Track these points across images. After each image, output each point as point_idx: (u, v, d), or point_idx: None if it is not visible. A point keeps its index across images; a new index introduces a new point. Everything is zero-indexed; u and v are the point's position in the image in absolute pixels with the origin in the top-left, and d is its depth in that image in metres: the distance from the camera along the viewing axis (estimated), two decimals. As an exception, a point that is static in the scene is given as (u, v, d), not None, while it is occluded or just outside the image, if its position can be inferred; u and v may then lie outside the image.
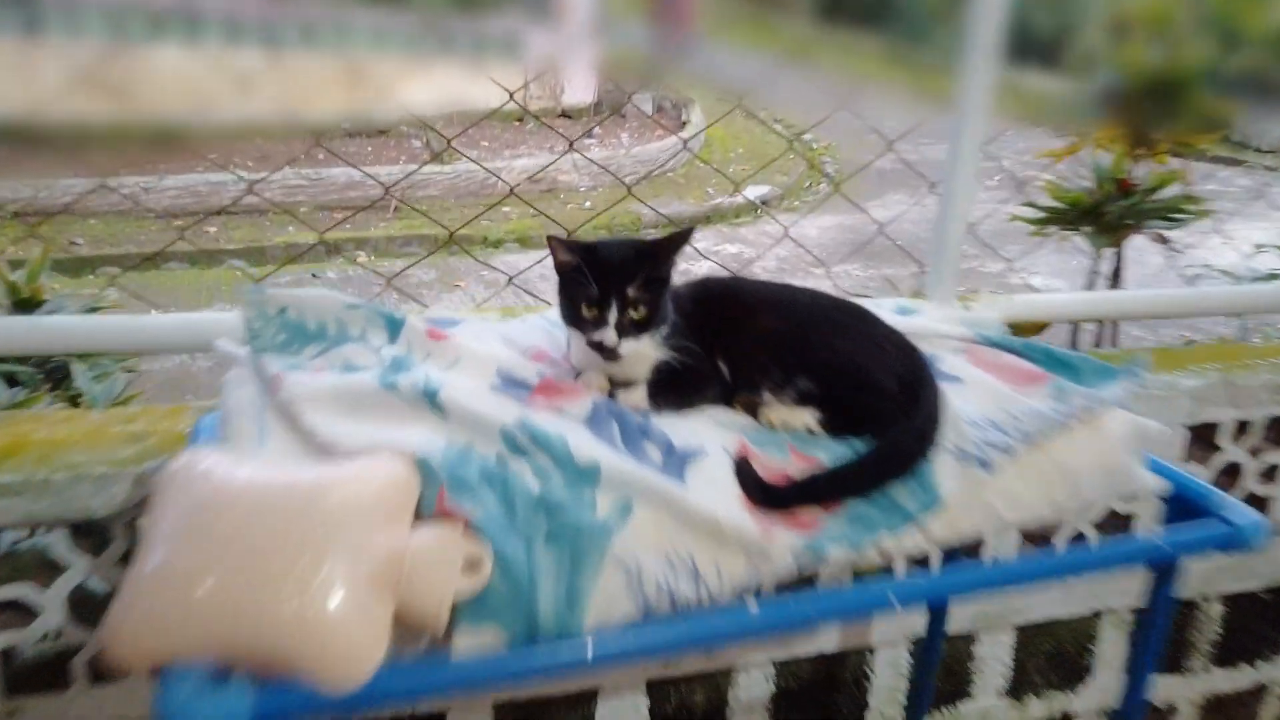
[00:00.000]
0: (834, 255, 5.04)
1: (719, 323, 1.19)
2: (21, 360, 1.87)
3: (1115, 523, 1.95)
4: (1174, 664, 2.14)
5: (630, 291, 1.09)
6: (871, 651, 1.85)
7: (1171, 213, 2.66)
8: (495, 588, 0.84)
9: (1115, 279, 2.91)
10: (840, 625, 1.73)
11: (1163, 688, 2.12)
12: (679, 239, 1.12)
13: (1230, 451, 2.01)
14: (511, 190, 1.66)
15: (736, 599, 0.95)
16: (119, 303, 1.91)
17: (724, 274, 1.80)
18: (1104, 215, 2.66)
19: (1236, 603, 2.13)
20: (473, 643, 0.83)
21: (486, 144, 8.44)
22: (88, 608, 1.36)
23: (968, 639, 1.93)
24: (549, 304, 1.34)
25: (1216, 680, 2.18)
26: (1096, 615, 2.02)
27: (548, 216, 1.85)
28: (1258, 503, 2.05)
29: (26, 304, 2.03)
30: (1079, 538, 1.93)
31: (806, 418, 1.13)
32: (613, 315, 1.09)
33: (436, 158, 7.10)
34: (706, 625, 0.93)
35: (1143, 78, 2.23)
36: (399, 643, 0.81)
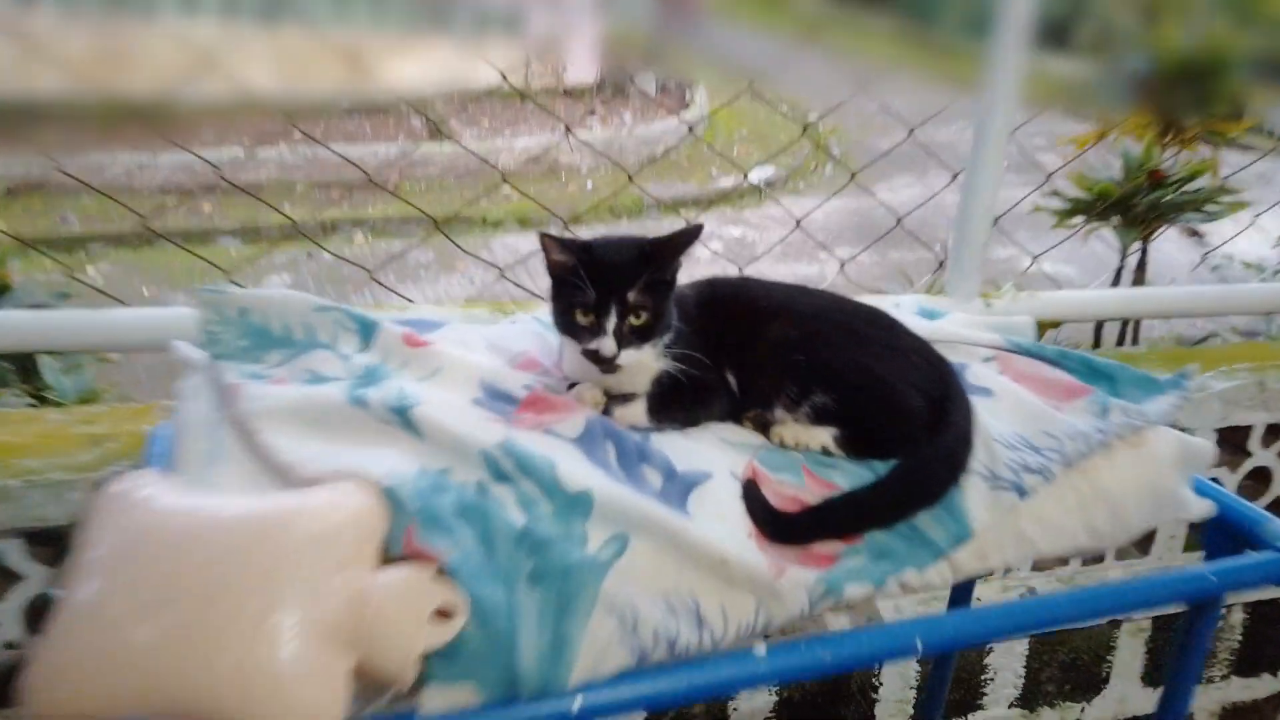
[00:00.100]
0: (840, 239, 4.95)
1: (727, 329, 1.08)
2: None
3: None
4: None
5: (631, 296, 0.98)
6: (879, 662, 1.78)
7: (1205, 205, 2.55)
8: (470, 639, 0.74)
9: (1140, 273, 2.80)
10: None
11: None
12: (685, 237, 1.01)
13: (1260, 456, 1.95)
14: (504, 178, 1.55)
15: (743, 643, 0.85)
16: (94, 287, 1.80)
17: (729, 271, 1.70)
18: (1133, 207, 2.55)
19: (1258, 610, 2.09)
20: (443, 702, 0.74)
21: (487, 122, 8.29)
22: (47, 619, 1.29)
23: (980, 648, 1.88)
24: (543, 298, 1.22)
25: (1235, 689, 2.14)
26: (1114, 624, 1.97)
27: (538, 203, 1.75)
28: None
29: (-10, 290, 1.93)
30: (1097, 559, 1.87)
31: (823, 437, 1.03)
32: (611, 322, 0.98)
33: (434, 136, 6.98)
34: (709, 674, 0.83)
35: (1175, 61, 2.11)
36: (359, 702, 0.73)
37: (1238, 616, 2.07)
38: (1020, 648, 1.90)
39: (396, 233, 6.52)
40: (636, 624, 0.80)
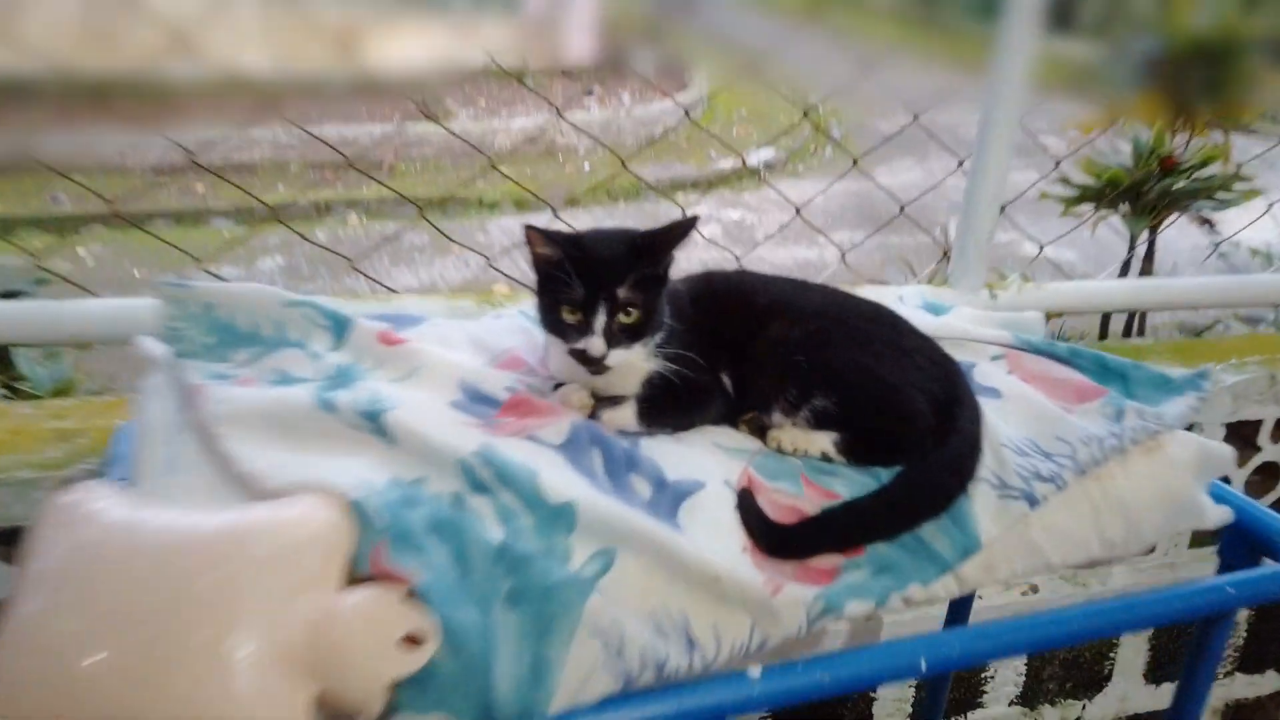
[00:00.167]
0: (840, 221, 4.89)
1: (723, 327, 1.03)
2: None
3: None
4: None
5: (621, 292, 0.93)
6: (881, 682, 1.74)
7: (1218, 192, 2.48)
8: (442, 665, 0.69)
9: (1147, 262, 2.74)
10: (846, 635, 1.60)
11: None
12: (679, 230, 0.95)
13: (1270, 451, 1.91)
14: (493, 164, 1.49)
15: (736, 665, 0.80)
16: (62, 276, 1.74)
17: (727, 256, 1.64)
18: (1144, 194, 2.48)
19: (1263, 607, 2.06)
20: (414, 734, 0.68)
21: (484, 102, 8.18)
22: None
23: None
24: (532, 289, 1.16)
25: (1239, 686, 2.12)
26: (1117, 621, 1.92)
27: (527, 189, 1.68)
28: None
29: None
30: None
31: (823, 442, 0.97)
32: (600, 320, 0.93)
33: (429, 117, 6.89)
34: (700, 699, 0.78)
35: (1187, 42, 2.05)
36: (322, 734, 0.67)
37: (1242, 613, 2.04)
38: (1022, 645, 1.87)
39: (391, 214, 6.44)
40: (622, 646, 0.75)
